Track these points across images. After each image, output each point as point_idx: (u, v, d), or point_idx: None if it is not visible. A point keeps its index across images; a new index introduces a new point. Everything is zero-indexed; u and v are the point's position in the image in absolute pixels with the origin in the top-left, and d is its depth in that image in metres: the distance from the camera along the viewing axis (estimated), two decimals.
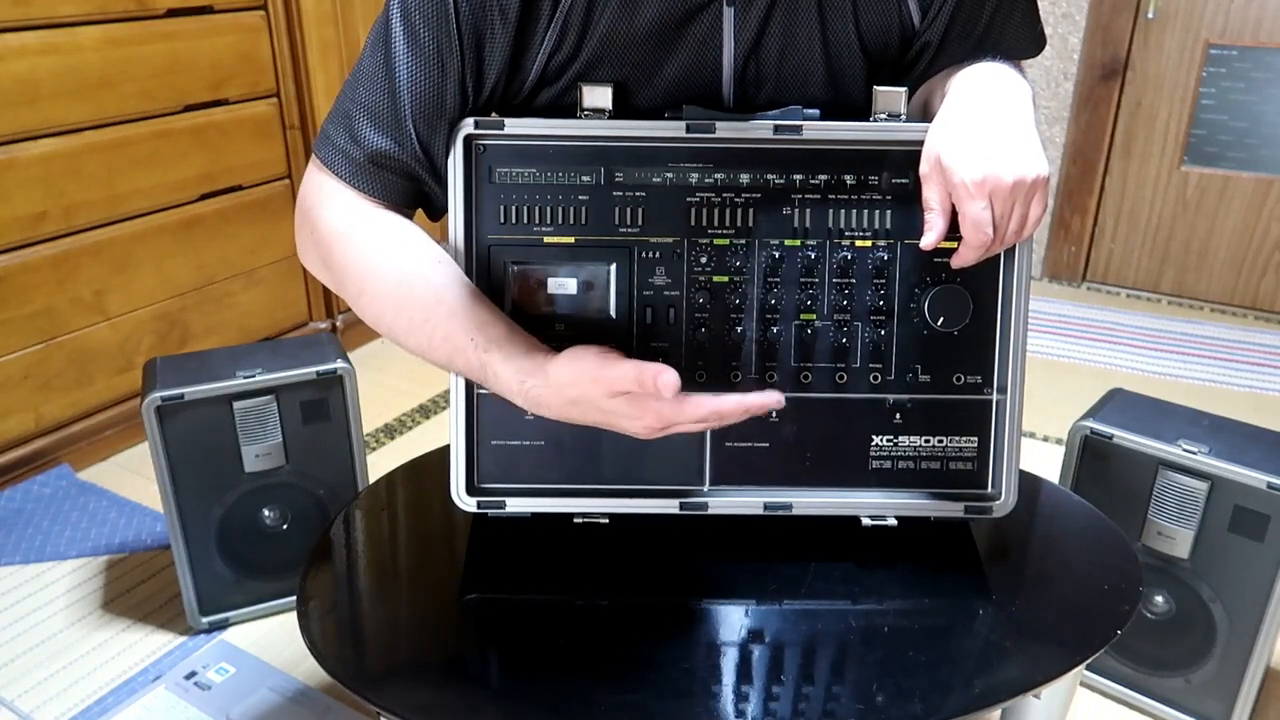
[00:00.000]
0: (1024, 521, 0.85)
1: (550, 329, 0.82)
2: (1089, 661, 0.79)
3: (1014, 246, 0.81)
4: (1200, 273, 2.78)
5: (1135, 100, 2.72)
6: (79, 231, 1.80)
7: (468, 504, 0.85)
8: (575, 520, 0.86)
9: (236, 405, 1.31)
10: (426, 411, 2.12)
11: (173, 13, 1.86)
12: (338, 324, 2.36)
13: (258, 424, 1.33)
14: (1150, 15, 2.63)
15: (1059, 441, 1.36)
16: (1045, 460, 1.66)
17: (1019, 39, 0.89)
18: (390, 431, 2.05)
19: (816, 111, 0.82)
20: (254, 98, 2.06)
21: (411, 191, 0.83)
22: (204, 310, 2.07)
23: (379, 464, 1.92)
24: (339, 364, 1.35)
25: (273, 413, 1.33)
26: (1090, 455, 1.23)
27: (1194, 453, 1.15)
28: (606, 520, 0.86)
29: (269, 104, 2.09)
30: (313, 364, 1.35)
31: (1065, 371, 2.36)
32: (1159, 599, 1.23)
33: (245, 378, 1.30)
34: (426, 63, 0.78)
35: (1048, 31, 2.72)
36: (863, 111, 0.87)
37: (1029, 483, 0.84)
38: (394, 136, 0.79)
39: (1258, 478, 1.11)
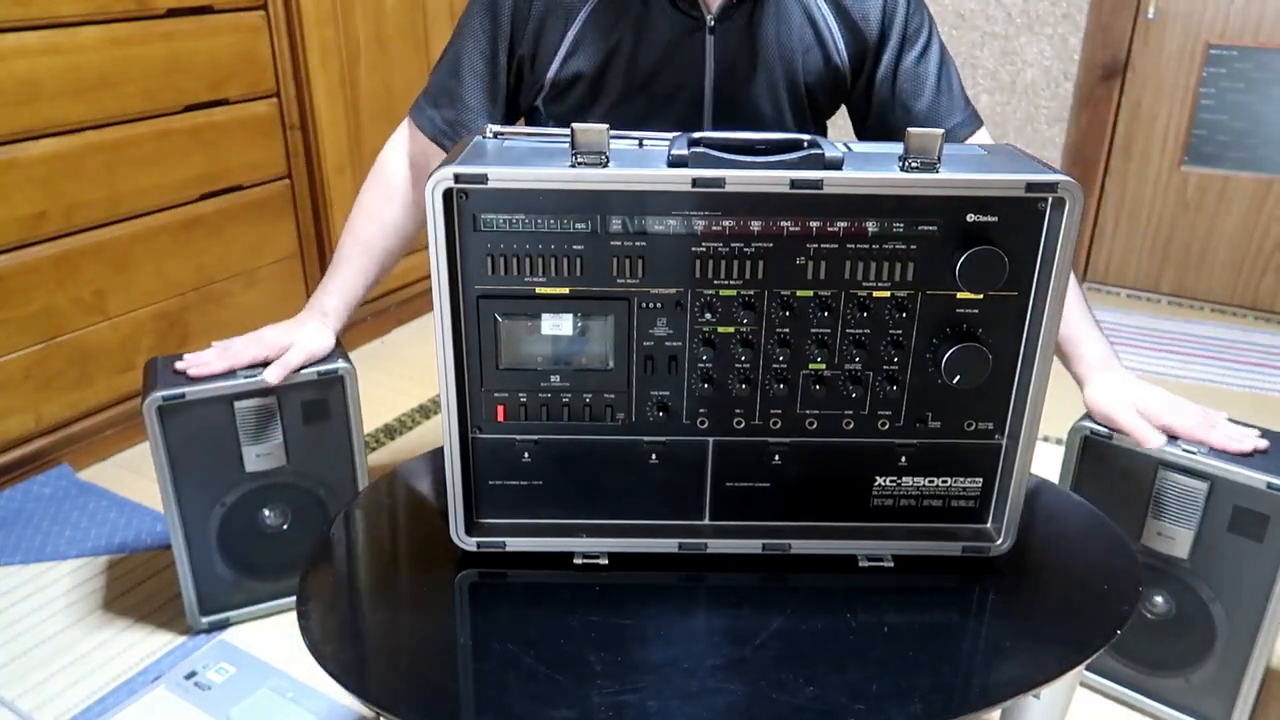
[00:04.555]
0: (1024, 521, 0.85)
1: (545, 380, 0.80)
2: (1089, 661, 0.79)
3: (1044, 301, 0.77)
4: (1200, 273, 2.78)
5: (1135, 100, 2.72)
6: (79, 231, 1.80)
7: (468, 544, 0.84)
8: (575, 561, 0.85)
9: (237, 405, 1.31)
10: (426, 411, 2.12)
11: (173, 13, 1.86)
12: None
13: (258, 424, 1.33)
14: (1150, 15, 2.63)
15: (1059, 441, 1.36)
16: (1045, 460, 1.66)
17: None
18: (390, 431, 2.04)
19: (840, 155, 0.74)
20: (254, 98, 2.06)
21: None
22: (204, 310, 2.07)
23: (379, 464, 1.92)
24: (339, 364, 1.35)
25: (273, 413, 1.33)
26: (1090, 455, 1.23)
27: (1194, 453, 1.15)
28: (606, 561, 0.85)
29: (269, 104, 2.09)
30: (313, 364, 1.34)
31: (1066, 371, 2.36)
32: (1159, 599, 1.23)
33: (246, 378, 1.30)
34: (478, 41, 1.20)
35: (1048, 32, 2.73)
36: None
37: (1029, 483, 0.84)
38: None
39: (1258, 478, 1.11)
